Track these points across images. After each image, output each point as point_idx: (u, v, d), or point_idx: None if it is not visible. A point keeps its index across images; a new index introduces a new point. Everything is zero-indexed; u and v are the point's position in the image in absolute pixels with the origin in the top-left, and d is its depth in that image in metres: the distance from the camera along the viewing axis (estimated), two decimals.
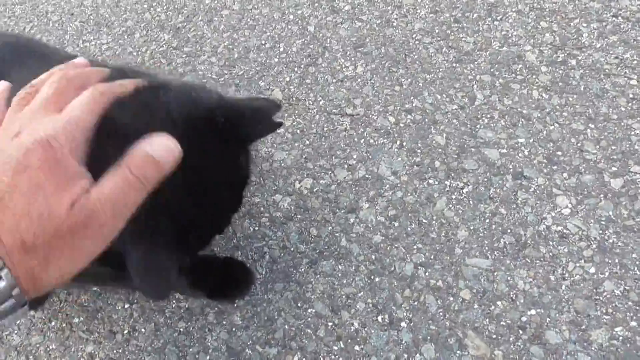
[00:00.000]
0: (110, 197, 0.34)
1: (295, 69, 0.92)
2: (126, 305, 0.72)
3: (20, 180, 0.32)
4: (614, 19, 0.86)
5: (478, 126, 0.80)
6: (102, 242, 0.35)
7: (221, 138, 0.47)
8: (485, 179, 0.75)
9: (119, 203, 0.35)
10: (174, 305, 0.71)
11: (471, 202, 0.74)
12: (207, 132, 0.46)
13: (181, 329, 0.69)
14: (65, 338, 0.71)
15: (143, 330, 0.70)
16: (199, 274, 0.68)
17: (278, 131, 0.85)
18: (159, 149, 0.37)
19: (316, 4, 1.01)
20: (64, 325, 0.72)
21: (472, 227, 0.71)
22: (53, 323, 0.72)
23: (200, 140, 0.45)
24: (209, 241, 0.55)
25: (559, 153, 0.75)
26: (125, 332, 0.70)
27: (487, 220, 0.72)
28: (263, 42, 0.98)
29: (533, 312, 0.65)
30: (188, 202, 0.45)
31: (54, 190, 0.33)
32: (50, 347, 0.70)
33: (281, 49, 0.96)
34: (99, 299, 0.73)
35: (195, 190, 0.46)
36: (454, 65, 0.87)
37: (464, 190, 0.75)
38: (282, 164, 0.81)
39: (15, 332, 0.72)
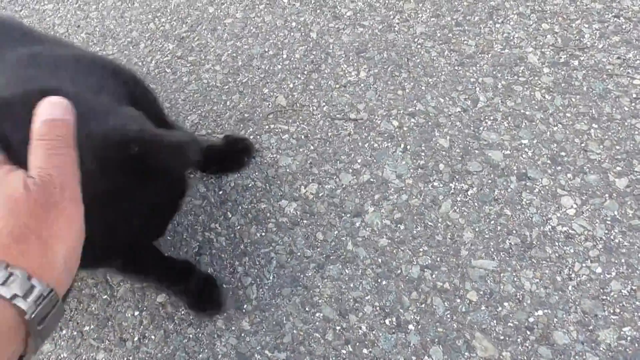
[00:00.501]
0: (48, 164, 0.37)
1: (299, 76, 0.93)
2: (136, 313, 0.73)
3: None
4: (615, 19, 0.87)
5: (481, 128, 0.80)
6: (75, 204, 0.38)
7: (135, 166, 0.48)
8: (490, 181, 0.75)
9: (59, 166, 0.37)
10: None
11: (476, 204, 0.74)
12: (121, 159, 0.47)
13: (190, 335, 0.70)
14: (76, 346, 0.71)
15: (153, 337, 0.70)
16: (182, 284, 0.70)
17: (283, 137, 0.86)
18: (52, 110, 0.39)
19: (318, 11, 1.02)
20: (74, 333, 0.73)
21: (477, 229, 0.72)
22: (64, 331, 0.73)
23: (113, 166, 0.46)
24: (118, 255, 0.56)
25: (563, 154, 0.76)
26: (136, 339, 0.71)
27: (493, 222, 0.72)
28: (266, 50, 0.99)
29: (540, 312, 0.65)
30: (100, 220, 0.46)
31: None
32: (62, 356, 0.71)
33: (284, 56, 0.97)
34: (109, 307, 0.74)
35: (107, 210, 0.47)
36: (456, 68, 0.87)
37: (469, 192, 0.75)
38: (288, 170, 0.82)
39: None
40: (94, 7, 1.20)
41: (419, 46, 0.92)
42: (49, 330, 0.37)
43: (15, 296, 0.33)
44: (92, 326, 0.73)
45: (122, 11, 1.16)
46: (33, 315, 0.34)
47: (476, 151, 0.78)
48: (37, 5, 1.25)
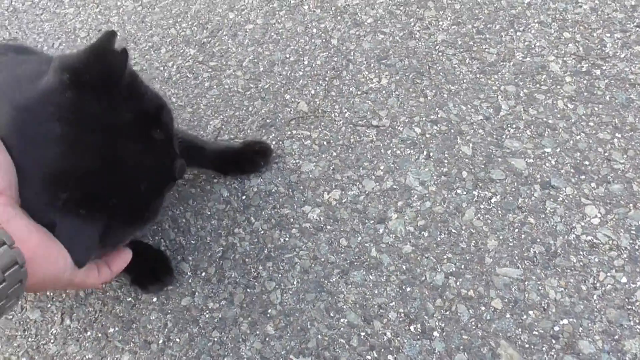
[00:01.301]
0: None
1: (320, 82, 0.94)
2: (160, 316, 0.73)
3: None
4: (637, 29, 0.87)
5: (504, 136, 0.81)
6: None
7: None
8: (513, 189, 0.76)
9: None
10: (207, 316, 0.72)
11: (500, 211, 0.74)
12: None
13: (215, 339, 0.70)
14: (101, 348, 0.72)
15: (178, 340, 0.71)
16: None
17: (305, 143, 0.87)
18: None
19: (338, 17, 1.03)
20: (99, 335, 0.73)
21: (501, 237, 0.72)
22: (89, 333, 0.74)
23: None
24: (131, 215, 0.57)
25: (587, 163, 0.76)
26: (160, 342, 0.71)
27: (517, 230, 0.72)
28: (287, 56, 1.00)
29: (565, 321, 0.65)
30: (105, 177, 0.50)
31: None
32: (87, 357, 0.72)
33: (305, 62, 0.98)
34: (133, 309, 0.75)
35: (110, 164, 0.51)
36: (478, 76, 0.88)
37: (492, 200, 0.75)
38: (310, 176, 0.83)
39: (52, 341, 0.74)
40: (114, 11, 1.21)
41: (440, 54, 0.92)
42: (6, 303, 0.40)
43: None
44: (117, 328, 0.73)
45: (143, 16, 1.17)
46: None
47: (499, 159, 0.79)
48: (57, 9, 1.27)
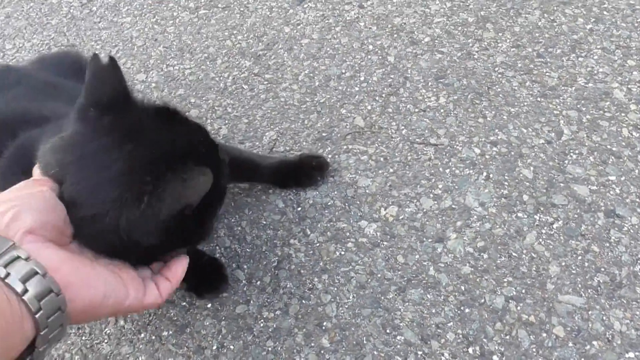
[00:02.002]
0: None
1: (377, 98, 0.94)
2: (214, 322, 0.73)
3: None
4: None
5: (566, 162, 0.80)
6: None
7: None
8: (576, 215, 0.75)
9: None
10: (262, 324, 0.72)
11: (562, 237, 0.73)
12: None
13: (269, 348, 0.70)
14: (154, 350, 0.72)
15: (232, 347, 0.71)
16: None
17: (361, 158, 0.87)
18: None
19: (395, 35, 1.04)
20: (153, 337, 0.74)
21: (563, 263, 0.71)
22: (142, 335, 0.74)
23: None
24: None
25: None
26: (214, 348, 0.71)
27: (580, 258, 0.71)
28: (343, 71, 1.00)
29: (631, 354, 0.63)
30: None
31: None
32: (140, 359, 0.72)
33: (362, 78, 0.98)
34: (188, 314, 0.75)
35: None
36: (539, 99, 0.87)
37: (554, 226, 0.74)
38: (367, 191, 0.83)
39: (106, 341, 0.75)
40: (170, 22, 1.24)
41: (499, 75, 0.92)
42: (49, 345, 0.40)
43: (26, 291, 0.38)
44: (170, 332, 0.74)
45: (199, 27, 1.20)
46: (41, 314, 0.38)
47: (561, 184, 0.78)
48: (115, 17, 1.30)
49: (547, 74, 0.90)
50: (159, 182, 0.47)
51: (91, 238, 0.47)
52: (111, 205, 0.46)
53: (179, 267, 0.55)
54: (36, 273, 0.38)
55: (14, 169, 0.57)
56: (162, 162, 0.48)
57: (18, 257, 0.38)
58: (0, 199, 0.42)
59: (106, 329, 0.76)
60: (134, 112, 0.53)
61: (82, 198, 0.46)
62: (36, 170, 0.49)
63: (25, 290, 0.37)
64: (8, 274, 0.37)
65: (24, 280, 0.37)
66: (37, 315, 0.38)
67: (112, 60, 0.53)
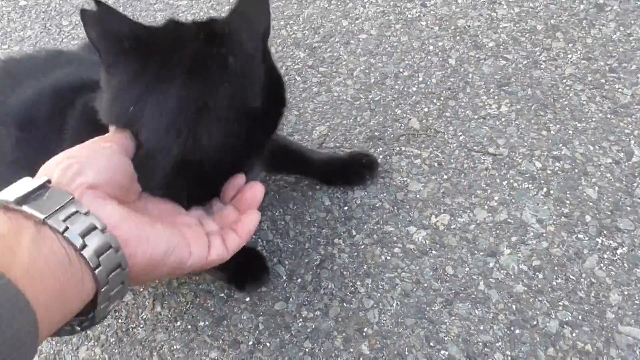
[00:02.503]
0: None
1: (434, 101, 0.91)
2: (252, 316, 0.72)
3: None
4: None
5: (635, 184, 0.75)
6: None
7: None
8: None
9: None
10: (300, 324, 0.70)
11: (626, 264, 0.68)
12: None
13: (307, 349, 0.68)
14: (190, 340, 0.71)
15: (268, 344, 0.69)
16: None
17: (414, 161, 0.84)
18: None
19: (458, 38, 1.00)
20: (189, 327, 0.72)
21: (626, 292, 0.66)
22: (178, 323, 0.73)
23: None
24: None
25: None
26: (250, 343, 0.69)
27: None
28: (401, 70, 0.97)
29: None
30: None
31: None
32: (175, 347, 0.71)
33: (420, 79, 0.95)
34: (225, 305, 0.74)
35: None
36: (609, 116, 0.82)
37: (618, 251, 0.70)
38: (418, 196, 0.79)
39: (142, 326, 0.74)
40: (226, 7, 1.23)
41: (567, 88, 0.87)
42: (111, 300, 0.40)
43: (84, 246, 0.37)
44: (207, 322, 0.72)
45: None
46: (101, 271, 0.37)
47: (628, 208, 0.73)
48: (171, 0, 1.30)
49: (620, 90, 0.85)
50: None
51: (149, 172, 0.47)
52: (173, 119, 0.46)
53: (250, 220, 0.51)
54: (95, 228, 0.37)
55: (82, 128, 0.56)
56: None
57: (77, 212, 0.37)
58: (66, 154, 0.42)
59: (143, 314, 0.75)
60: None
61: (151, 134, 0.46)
62: (111, 128, 0.48)
63: (84, 246, 0.36)
64: (67, 228, 0.35)
65: (83, 234, 0.36)
66: (96, 271, 0.37)
67: (100, 3, 0.49)
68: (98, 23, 0.48)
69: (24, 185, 0.37)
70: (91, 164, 0.41)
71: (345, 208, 0.80)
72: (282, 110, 0.57)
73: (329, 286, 0.73)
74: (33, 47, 1.27)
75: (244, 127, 0.50)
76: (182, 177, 0.49)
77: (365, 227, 0.78)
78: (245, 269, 0.74)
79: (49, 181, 0.38)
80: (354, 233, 0.77)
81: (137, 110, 0.46)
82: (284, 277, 0.74)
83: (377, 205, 0.80)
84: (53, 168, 0.40)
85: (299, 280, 0.74)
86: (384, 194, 0.81)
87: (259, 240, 0.79)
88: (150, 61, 0.47)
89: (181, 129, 0.46)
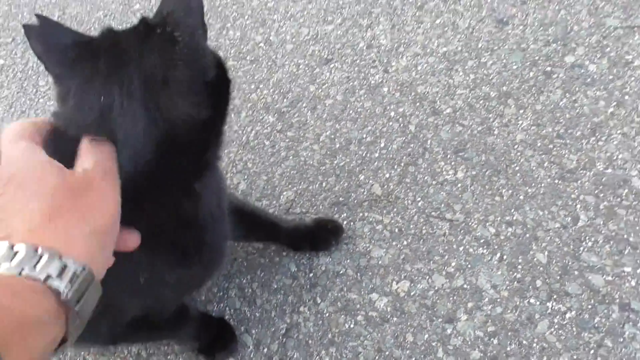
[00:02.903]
0: (89, 165, 0.42)
1: (395, 167, 0.96)
2: None
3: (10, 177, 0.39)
4: None
5: (581, 248, 0.80)
6: (107, 196, 0.41)
7: None
8: (590, 306, 0.74)
9: (97, 166, 0.42)
10: None
11: (574, 329, 0.72)
12: None
13: None
14: None
15: None
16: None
17: (376, 227, 0.87)
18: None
19: (417, 104, 1.05)
20: None
21: (575, 357, 0.70)
22: None
23: None
24: None
25: None
26: None
27: (592, 352, 0.70)
28: (364, 136, 1.02)
29: None
30: None
31: (41, 171, 0.40)
32: None
33: (382, 145, 1.00)
34: None
35: None
36: (557, 181, 0.88)
37: (567, 316, 0.74)
38: (380, 262, 0.83)
39: None
40: None
41: (518, 153, 0.93)
42: (87, 310, 0.38)
43: (49, 277, 0.35)
44: None
45: None
46: (69, 295, 0.35)
47: (576, 272, 0.77)
48: None
49: (566, 155, 0.91)
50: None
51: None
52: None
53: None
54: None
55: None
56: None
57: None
58: None
59: None
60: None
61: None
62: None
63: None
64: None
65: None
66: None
67: (41, 17, 0.51)
68: (41, 37, 0.50)
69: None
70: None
71: (311, 275, 0.83)
72: (230, 86, 0.57)
73: (295, 356, 0.75)
74: (9, 107, 1.30)
75: (205, 97, 0.50)
76: (165, 155, 0.49)
77: (329, 294, 0.81)
78: (215, 339, 0.76)
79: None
80: (319, 300, 0.80)
81: (105, 104, 0.47)
82: (251, 347, 0.77)
83: (342, 272, 0.83)
84: None
85: (265, 350, 0.76)
86: (348, 261, 0.84)
87: (227, 308, 0.81)
88: (101, 61, 0.48)
89: (149, 106, 0.47)
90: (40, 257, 0.35)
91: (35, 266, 0.35)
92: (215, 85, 0.52)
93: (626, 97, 0.96)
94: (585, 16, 1.11)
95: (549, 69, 1.04)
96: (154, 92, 0.47)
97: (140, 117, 0.46)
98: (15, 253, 0.35)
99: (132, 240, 0.46)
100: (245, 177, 1.01)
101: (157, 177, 0.49)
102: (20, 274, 0.34)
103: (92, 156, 0.43)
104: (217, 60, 0.54)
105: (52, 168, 0.40)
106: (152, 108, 0.47)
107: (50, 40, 0.50)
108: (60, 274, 0.35)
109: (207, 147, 0.54)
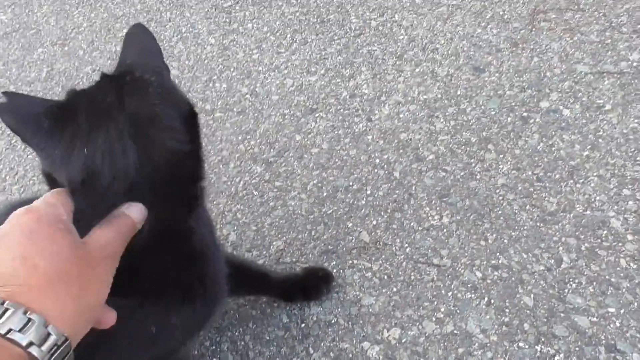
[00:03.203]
0: (101, 242, 0.43)
1: (382, 213, 0.98)
2: None
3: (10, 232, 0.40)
4: None
5: (566, 290, 0.82)
6: (105, 277, 0.43)
7: None
8: (577, 348, 0.75)
9: (108, 247, 0.43)
10: None
11: None
12: None
13: None
14: None
15: None
16: None
17: (366, 274, 0.89)
18: (134, 209, 0.47)
19: (401, 151, 1.09)
20: None
21: None
22: None
23: None
24: None
25: None
26: None
27: None
28: (351, 183, 1.05)
29: None
30: None
31: (51, 237, 0.40)
32: None
33: (368, 192, 1.02)
34: None
35: None
36: (539, 224, 0.91)
37: (556, 358, 0.75)
38: (370, 310, 0.84)
39: None
40: None
41: (500, 197, 0.96)
42: None
43: (30, 344, 0.35)
44: None
45: (214, 130, 1.26)
46: None
47: (562, 314, 0.79)
48: None
49: (547, 198, 0.94)
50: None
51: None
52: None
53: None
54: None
55: None
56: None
57: None
58: None
59: None
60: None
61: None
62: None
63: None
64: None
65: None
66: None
67: (8, 93, 0.52)
68: (12, 111, 0.51)
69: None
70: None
71: (303, 325, 0.84)
72: (198, 118, 0.58)
73: None
74: None
75: (185, 130, 0.52)
76: (157, 192, 0.50)
77: (322, 344, 0.81)
78: None
79: None
80: (312, 351, 0.80)
81: (90, 151, 0.48)
82: None
83: (333, 321, 0.84)
84: None
85: None
86: (339, 309, 0.85)
87: None
88: (80, 119, 0.49)
89: (139, 144, 0.48)
90: (28, 321, 0.36)
91: (21, 330, 0.36)
92: (188, 118, 0.54)
93: (600, 140, 1.00)
94: (556, 63, 1.17)
95: (525, 114, 1.09)
96: (142, 131, 0.48)
97: (132, 155, 0.47)
98: (5, 311, 0.36)
99: (110, 319, 0.47)
100: (235, 228, 1.03)
101: (152, 218, 0.50)
102: (5, 334, 0.35)
103: (109, 233, 0.44)
104: (184, 96, 0.57)
105: (65, 235, 0.41)
106: (142, 145, 0.48)
107: (21, 112, 0.51)
108: (42, 342, 0.36)
109: (195, 179, 0.55)
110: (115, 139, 0.48)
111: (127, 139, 0.48)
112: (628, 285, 0.81)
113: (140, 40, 0.60)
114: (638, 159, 0.96)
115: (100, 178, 0.48)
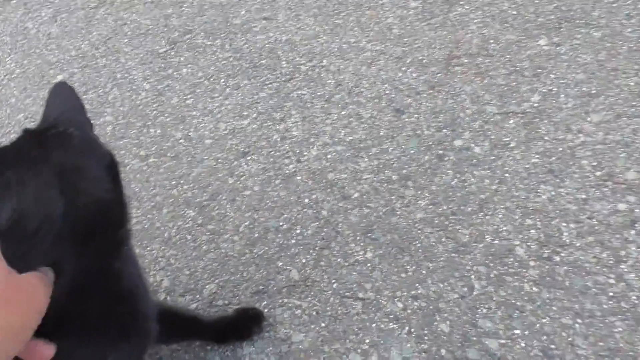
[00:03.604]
0: (30, 279, 0.43)
1: (311, 251, 1.03)
2: None
3: None
4: (588, 220, 1.00)
5: (478, 316, 0.89)
6: (33, 304, 0.43)
7: None
8: None
9: (37, 282, 0.44)
10: None
11: None
12: None
13: None
14: None
15: None
16: None
17: (296, 312, 0.93)
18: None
19: (328, 190, 1.15)
20: None
21: None
22: None
23: None
24: None
25: (553, 346, 0.84)
26: None
27: None
28: (281, 224, 1.09)
29: None
30: None
31: None
32: None
33: (297, 231, 1.07)
34: None
35: None
36: (453, 255, 0.98)
37: None
38: (300, 347, 0.88)
39: None
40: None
41: (419, 231, 1.03)
42: None
43: None
44: None
45: (148, 175, 1.28)
46: None
47: (474, 338, 0.86)
48: None
49: (460, 230, 1.02)
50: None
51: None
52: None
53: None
54: None
55: None
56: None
57: None
58: None
59: None
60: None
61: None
62: None
63: None
64: None
65: None
66: None
67: None
68: None
69: None
70: None
71: None
72: (119, 167, 0.62)
73: None
74: None
75: (108, 179, 0.55)
76: (82, 240, 0.51)
77: None
78: None
79: None
80: None
81: (19, 200, 0.49)
82: None
83: None
84: None
85: None
86: (270, 348, 0.89)
87: None
88: (7, 173, 0.50)
89: (65, 193, 0.49)
90: None
91: None
92: (110, 167, 0.58)
93: (506, 174, 1.10)
94: (469, 104, 1.28)
95: (441, 152, 1.18)
96: (68, 181, 0.51)
97: (59, 205, 0.49)
98: None
99: (46, 351, 0.48)
100: (169, 273, 1.05)
101: (79, 264, 0.51)
102: None
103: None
104: (105, 147, 0.61)
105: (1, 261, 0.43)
106: (69, 195, 0.50)
107: None
108: None
109: (119, 223, 0.58)
110: (42, 189, 0.50)
111: (53, 189, 0.50)
112: (531, 308, 0.89)
113: (63, 97, 0.64)
114: (539, 191, 1.06)
115: (28, 224, 0.49)
